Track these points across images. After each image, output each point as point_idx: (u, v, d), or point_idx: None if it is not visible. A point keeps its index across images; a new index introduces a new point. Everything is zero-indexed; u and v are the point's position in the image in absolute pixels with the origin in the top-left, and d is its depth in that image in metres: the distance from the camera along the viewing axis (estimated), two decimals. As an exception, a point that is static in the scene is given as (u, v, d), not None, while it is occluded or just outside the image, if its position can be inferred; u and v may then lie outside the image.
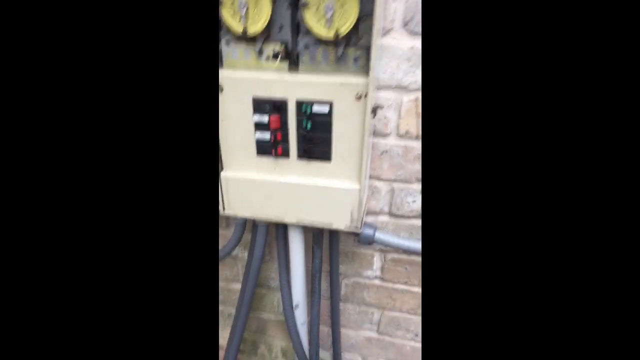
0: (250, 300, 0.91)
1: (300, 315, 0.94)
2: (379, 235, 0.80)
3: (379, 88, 0.75)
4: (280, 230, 0.85)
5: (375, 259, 0.94)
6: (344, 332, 1.08)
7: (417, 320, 1.00)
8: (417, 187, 0.82)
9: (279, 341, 1.15)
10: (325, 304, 1.02)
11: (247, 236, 0.90)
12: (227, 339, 0.96)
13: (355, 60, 0.64)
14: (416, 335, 1.02)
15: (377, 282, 0.97)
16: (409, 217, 0.86)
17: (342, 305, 1.04)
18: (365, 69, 0.63)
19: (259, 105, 0.67)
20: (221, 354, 1.01)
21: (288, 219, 0.76)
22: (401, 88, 0.75)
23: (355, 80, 0.62)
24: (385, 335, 1.05)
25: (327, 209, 0.73)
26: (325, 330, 1.09)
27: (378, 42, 0.60)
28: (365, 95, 0.62)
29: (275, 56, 0.65)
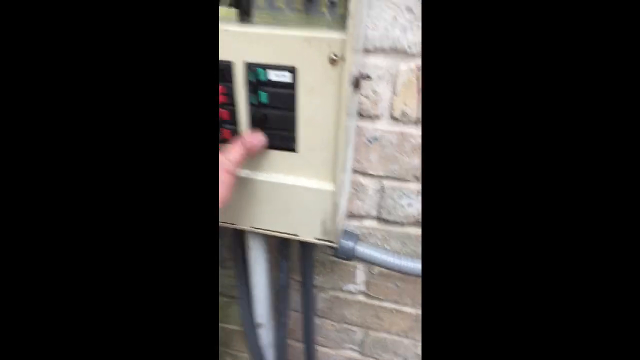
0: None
1: (265, 336, 0.77)
2: (360, 249, 0.61)
3: (367, 51, 0.55)
4: (237, 234, 0.67)
5: (358, 271, 0.76)
6: (322, 350, 0.91)
7: (407, 343, 0.82)
8: (415, 186, 0.63)
9: (247, 354, 0.98)
10: (300, 319, 0.84)
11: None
12: None
13: (332, 5, 0.44)
14: (406, 359, 0.85)
15: (360, 298, 0.79)
16: (402, 224, 0.67)
17: (319, 321, 0.86)
18: (344, 21, 0.43)
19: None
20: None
21: (241, 223, 0.58)
22: (398, 52, 0.54)
23: (327, 35, 0.42)
24: (369, 357, 0.88)
25: (291, 215, 0.54)
26: (300, 346, 0.92)
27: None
28: (343, 58, 0.42)
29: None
